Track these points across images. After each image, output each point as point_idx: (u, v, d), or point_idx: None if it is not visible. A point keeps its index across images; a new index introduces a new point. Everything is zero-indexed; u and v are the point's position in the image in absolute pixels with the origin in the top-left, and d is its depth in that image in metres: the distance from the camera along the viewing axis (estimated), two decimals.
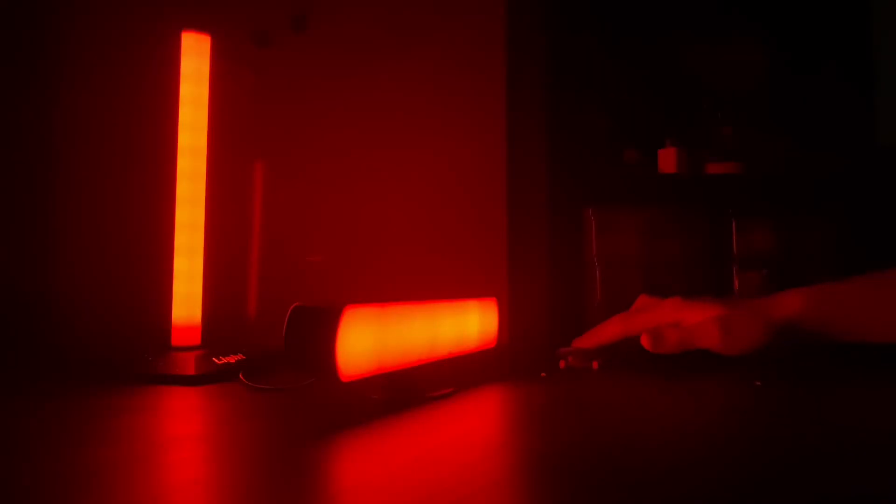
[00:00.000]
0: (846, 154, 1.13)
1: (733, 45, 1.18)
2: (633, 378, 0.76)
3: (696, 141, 1.16)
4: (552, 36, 1.09)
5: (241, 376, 0.73)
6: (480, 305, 0.79)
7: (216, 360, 0.78)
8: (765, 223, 1.10)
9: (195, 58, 0.87)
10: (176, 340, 0.84)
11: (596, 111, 1.16)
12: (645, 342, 0.75)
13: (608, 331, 0.80)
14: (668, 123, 1.17)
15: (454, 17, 1.02)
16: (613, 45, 1.17)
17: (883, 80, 1.16)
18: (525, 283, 1.00)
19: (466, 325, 0.75)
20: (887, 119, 1.15)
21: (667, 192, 1.14)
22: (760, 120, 1.17)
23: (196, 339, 0.85)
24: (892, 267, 0.72)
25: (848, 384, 0.73)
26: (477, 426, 0.58)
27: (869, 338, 0.73)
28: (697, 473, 0.42)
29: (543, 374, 0.77)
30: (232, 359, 0.80)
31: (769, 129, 1.16)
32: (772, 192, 1.13)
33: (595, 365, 0.81)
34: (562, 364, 0.82)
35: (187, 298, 0.85)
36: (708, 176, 1.14)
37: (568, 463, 0.44)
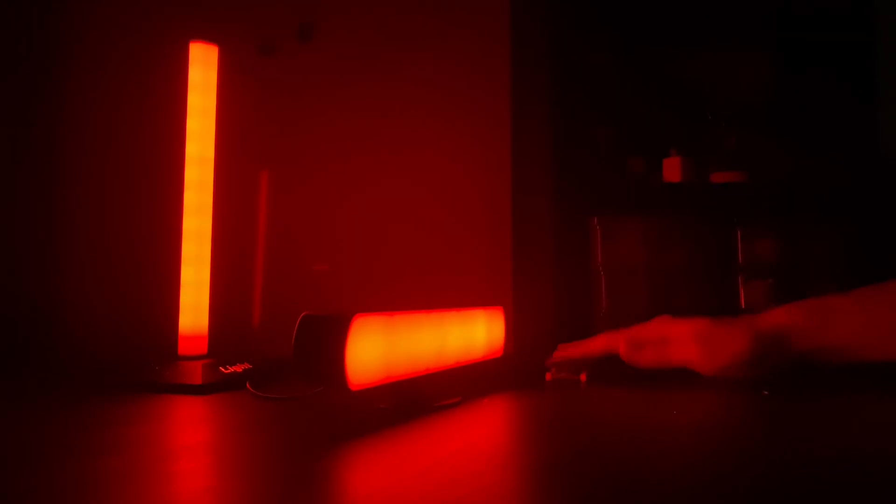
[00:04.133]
0: (851, 163, 1.13)
1: (738, 54, 1.18)
2: (639, 389, 0.76)
3: (700, 150, 1.16)
4: (557, 46, 1.09)
5: (248, 385, 0.73)
6: (487, 314, 0.79)
7: (223, 370, 0.78)
8: (770, 232, 1.10)
9: (203, 68, 0.88)
10: (183, 350, 0.84)
11: (601, 120, 1.16)
12: (622, 353, 0.73)
13: (594, 343, 0.77)
14: (672, 132, 1.17)
15: (459, 27, 1.03)
16: (619, 55, 1.17)
17: (887, 91, 1.16)
18: (531, 291, 1.00)
19: (474, 334, 0.75)
20: (891, 129, 1.15)
21: (672, 201, 1.14)
22: (765, 129, 1.17)
23: (203, 349, 0.85)
24: (892, 279, 0.66)
25: (851, 400, 0.72)
26: (485, 435, 0.57)
27: (863, 354, 0.66)
28: (701, 483, 0.41)
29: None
30: (239, 368, 0.80)
31: (774, 139, 1.16)
32: (777, 200, 1.12)
33: (583, 377, 0.79)
34: (548, 376, 0.80)
35: (194, 308, 0.85)
36: (713, 185, 1.14)
37: (577, 473, 0.44)
